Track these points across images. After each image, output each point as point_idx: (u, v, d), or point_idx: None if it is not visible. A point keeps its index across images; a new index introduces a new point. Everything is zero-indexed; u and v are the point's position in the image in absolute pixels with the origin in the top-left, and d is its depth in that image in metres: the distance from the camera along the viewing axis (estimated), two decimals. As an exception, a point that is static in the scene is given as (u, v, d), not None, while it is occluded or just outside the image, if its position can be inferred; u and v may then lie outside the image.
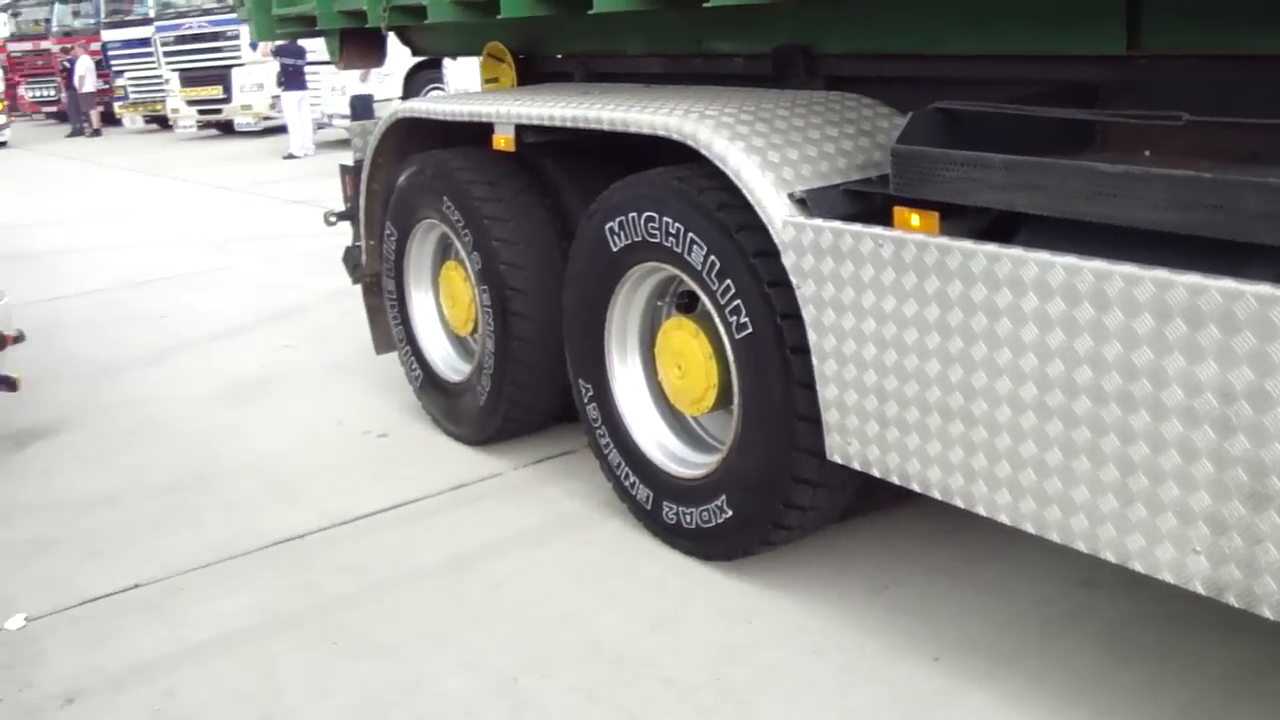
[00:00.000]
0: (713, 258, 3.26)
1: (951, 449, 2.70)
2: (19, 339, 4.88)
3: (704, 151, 3.21)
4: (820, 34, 3.65)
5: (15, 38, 27.89)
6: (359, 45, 5.81)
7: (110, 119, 24.99)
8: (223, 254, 9.59)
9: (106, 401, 5.72)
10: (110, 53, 23.90)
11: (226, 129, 21.66)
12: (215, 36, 19.73)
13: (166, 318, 7.46)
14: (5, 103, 23.69)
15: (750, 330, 3.19)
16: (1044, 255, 2.38)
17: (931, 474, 2.77)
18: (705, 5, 3.29)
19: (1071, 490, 2.45)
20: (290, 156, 17.08)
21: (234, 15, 13.42)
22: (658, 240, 3.45)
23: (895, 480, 2.90)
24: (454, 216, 4.41)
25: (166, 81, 21.14)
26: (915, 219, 2.74)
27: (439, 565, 3.77)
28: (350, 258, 5.42)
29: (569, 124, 3.78)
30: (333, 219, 5.47)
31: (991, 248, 2.49)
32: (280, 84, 17.74)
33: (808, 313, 2.98)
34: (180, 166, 17.12)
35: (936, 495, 2.78)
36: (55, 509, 4.43)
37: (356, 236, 5.32)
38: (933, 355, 2.68)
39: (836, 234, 2.85)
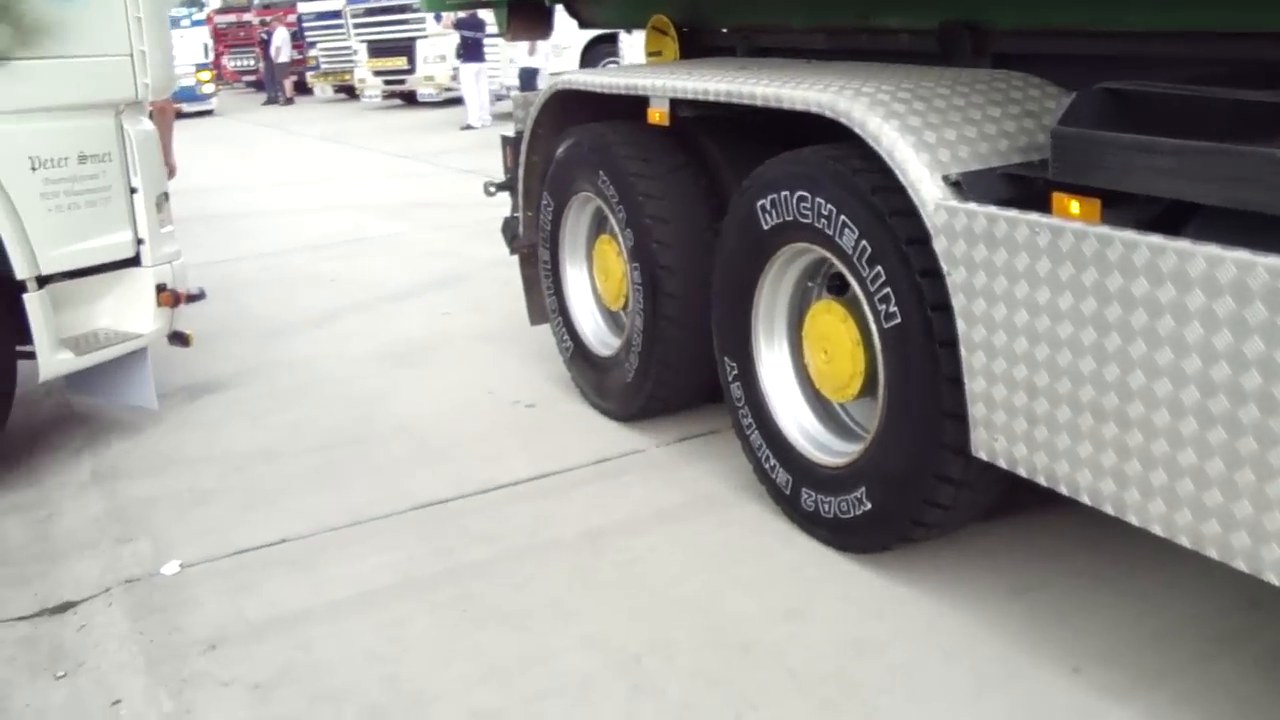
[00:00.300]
0: (864, 242, 3.15)
1: (1104, 452, 2.54)
2: (196, 297, 5.05)
3: (857, 130, 3.10)
4: (989, 9, 3.48)
5: (221, 10, 29.24)
6: (526, 17, 5.87)
7: (303, 88, 26.03)
8: (395, 221, 9.85)
9: (273, 360, 5.94)
10: (304, 24, 24.89)
11: (409, 99, 22.21)
12: (401, 9, 20.25)
13: (336, 281, 7.69)
14: (214, 72, 24.78)
15: (899, 320, 3.07)
16: (1213, 249, 2.21)
17: (1081, 477, 2.62)
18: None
19: (1233, 505, 2.27)
20: (467, 127, 17.43)
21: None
22: (809, 221, 3.36)
23: (1042, 481, 2.75)
24: (609, 191, 4.39)
25: (355, 53, 21.85)
26: (1075, 206, 2.58)
27: (574, 538, 3.77)
28: (508, 228, 5.47)
29: (722, 98, 3.71)
30: (492, 189, 5.54)
31: (1156, 239, 2.32)
32: (459, 55, 18.11)
33: (957, 301, 2.85)
34: (364, 135, 17.68)
35: (1085, 500, 2.63)
36: (217, 461, 4.61)
37: (515, 207, 5.36)
38: (1088, 352, 2.53)
39: (990, 219, 2.71)
